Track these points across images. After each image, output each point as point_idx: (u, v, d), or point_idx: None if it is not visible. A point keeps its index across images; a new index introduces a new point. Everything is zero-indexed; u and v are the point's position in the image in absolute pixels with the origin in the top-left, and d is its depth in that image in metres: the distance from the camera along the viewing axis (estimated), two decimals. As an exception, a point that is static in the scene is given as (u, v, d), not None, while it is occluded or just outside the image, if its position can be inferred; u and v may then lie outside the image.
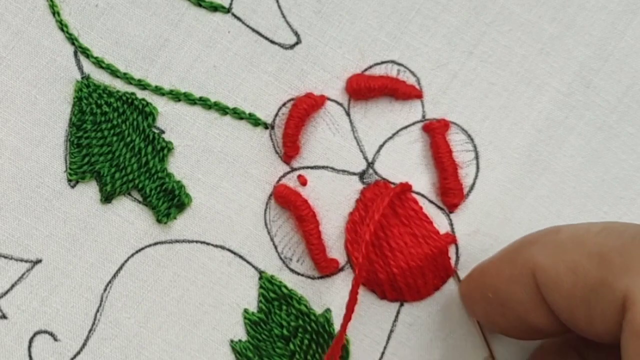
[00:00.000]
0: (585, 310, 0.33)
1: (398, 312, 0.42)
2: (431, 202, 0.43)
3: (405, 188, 0.42)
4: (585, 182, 0.43)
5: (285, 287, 0.42)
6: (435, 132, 0.42)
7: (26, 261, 0.42)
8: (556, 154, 0.43)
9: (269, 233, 0.42)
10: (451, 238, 0.42)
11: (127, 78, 0.42)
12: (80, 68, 0.42)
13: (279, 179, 0.42)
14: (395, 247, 0.41)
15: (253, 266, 0.42)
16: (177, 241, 0.42)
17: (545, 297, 0.35)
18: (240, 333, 0.42)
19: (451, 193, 0.42)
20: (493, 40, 0.42)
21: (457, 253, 0.42)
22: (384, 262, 0.41)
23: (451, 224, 0.43)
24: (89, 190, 0.42)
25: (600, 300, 0.32)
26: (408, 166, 0.42)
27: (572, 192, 0.43)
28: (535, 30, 0.42)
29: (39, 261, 0.42)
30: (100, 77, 0.42)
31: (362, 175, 0.43)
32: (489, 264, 0.38)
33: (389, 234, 0.42)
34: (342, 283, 0.42)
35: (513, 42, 0.42)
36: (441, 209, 0.43)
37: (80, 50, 0.42)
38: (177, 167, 0.42)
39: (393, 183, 0.42)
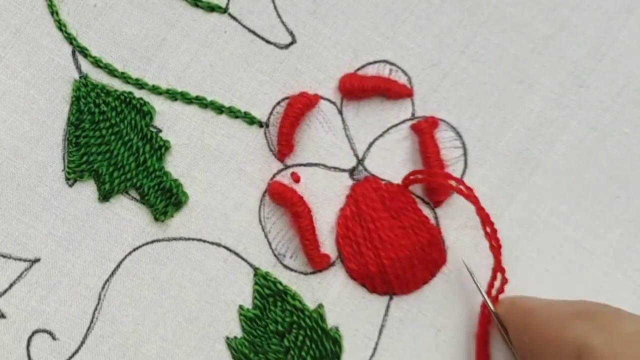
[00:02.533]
0: None
1: (388, 307, 0.42)
2: (417, 196, 0.43)
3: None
4: (580, 181, 0.43)
5: (280, 283, 0.42)
6: (424, 132, 0.42)
7: (25, 260, 0.42)
8: (548, 152, 0.43)
9: (263, 230, 0.42)
10: (436, 230, 0.42)
11: (124, 77, 0.43)
12: (78, 67, 0.43)
13: (273, 176, 0.43)
14: (385, 239, 0.42)
15: (248, 263, 0.42)
16: (174, 239, 0.43)
17: None
18: (235, 330, 0.42)
19: (437, 191, 0.42)
20: (485, 40, 0.43)
21: (443, 245, 0.43)
22: (375, 254, 0.42)
23: (436, 217, 0.43)
24: (87, 189, 0.43)
25: None
26: (397, 163, 0.43)
27: (566, 190, 0.43)
28: (528, 30, 0.43)
29: (37, 260, 0.42)
30: (98, 76, 0.43)
31: (352, 172, 0.43)
32: (538, 310, 0.37)
33: (380, 227, 0.42)
34: (333, 278, 0.42)
35: (505, 41, 0.43)
36: (427, 203, 0.43)
37: (79, 50, 0.43)
38: (174, 165, 0.43)
39: (382, 179, 0.43)
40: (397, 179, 0.43)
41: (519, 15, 0.43)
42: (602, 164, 0.43)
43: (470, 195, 0.40)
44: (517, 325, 0.38)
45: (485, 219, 0.40)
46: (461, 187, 0.41)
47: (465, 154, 0.43)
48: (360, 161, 0.43)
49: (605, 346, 0.33)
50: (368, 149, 0.43)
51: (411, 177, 0.42)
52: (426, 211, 0.43)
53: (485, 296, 0.41)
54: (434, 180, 0.41)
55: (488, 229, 0.40)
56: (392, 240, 0.42)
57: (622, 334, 0.33)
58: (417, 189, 0.43)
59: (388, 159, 0.43)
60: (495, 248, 0.40)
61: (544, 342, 0.36)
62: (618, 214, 0.43)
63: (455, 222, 0.43)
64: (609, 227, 0.43)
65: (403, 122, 0.43)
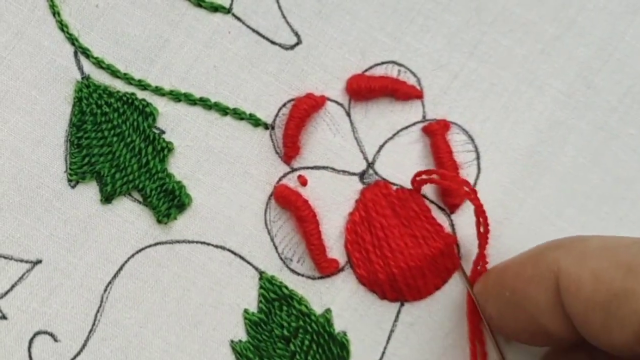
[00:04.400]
0: (603, 317, 0.33)
1: (399, 312, 0.42)
2: (432, 202, 0.43)
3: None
4: (586, 182, 0.43)
5: (286, 287, 0.42)
6: (435, 133, 0.42)
7: (26, 262, 0.42)
8: (557, 154, 0.43)
9: (269, 233, 0.42)
10: (452, 238, 0.42)
11: (127, 78, 0.42)
12: (80, 68, 0.42)
13: (279, 179, 0.42)
14: (395, 248, 0.41)
15: (253, 266, 0.42)
16: (177, 241, 0.42)
17: (563, 301, 0.35)
18: (240, 333, 0.42)
19: (452, 193, 0.42)
20: (494, 41, 0.42)
21: (458, 253, 0.42)
22: (384, 262, 0.42)
23: (452, 225, 0.43)
24: (89, 191, 0.42)
25: (622, 308, 0.32)
26: (408, 166, 0.42)
27: (573, 192, 0.43)
28: (536, 31, 0.42)
29: (39, 262, 0.42)
30: (101, 77, 0.42)
31: (362, 176, 0.43)
32: (511, 263, 0.39)
33: (389, 235, 0.42)
34: (342, 283, 0.42)
35: (514, 42, 0.42)
36: (442, 209, 0.43)
37: (81, 51, 0.42)
38: (178, 167, 0.42)
39: (393, 183, 0.43)
40: (409, 183, 0.42)
41: (526, 15, 0.42)
42: (608, 165, 0.43)
43: (474, 199, 0.40)
44: (496, 286, 0.39)
45: (484, 221, 0.40)
46: (466, 188, 0.41)
47: (478, 158, 0.43)
48: (370, 164, 0.43)
49: (575, 264, 0.35)
50: (378, 151, 0.43)
51: (417, 179, 0.42)
52: (441, 218, 0.42)
53: (466, 280, 0.42)
54: (440, 182, 0.41)
55: (482, 229, 0.41)
56: (402, 249, 0.41)
57: (588, 250, 0.35)
58: (431, 193, 0.43)
59: (399, 162, 0.43)
60: (483, 235, 0.41)
61: (523, 285, 0.37)
62: (623, 215, 0.43)
63: (472, 229, 0.42)
64: (614, 229, 0.43)
65: (414, 124, 0.43)
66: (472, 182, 0.43)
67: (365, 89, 0.42)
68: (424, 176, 0.41)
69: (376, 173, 0.43)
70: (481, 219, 0.40)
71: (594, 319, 0.33)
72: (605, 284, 0.33)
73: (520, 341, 0.39)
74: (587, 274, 0.34)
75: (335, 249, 0.42)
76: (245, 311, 0.42)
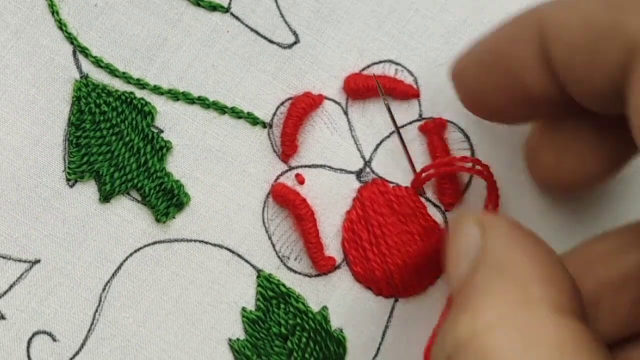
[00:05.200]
0: (589, 58, 0.32)
1: (392, 308, 0.42)
2: (427, 199, 0.43)
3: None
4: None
5: (283, 285, 0.42)
6: (432, 131, 0.42)
7: (25, 261, 0.42)
8: (554, 153, 0.43)
9: (266, 232, 0.42)
10: (446, 235, 0.42)
11: (125, 77, 0.42)
12: (79, 67, 0.42)
13: (277, 178, 0.42)
14: (392, 245, 0.41)
15: (251, 265, 0.42)
16: (175, 240, 0.42)
17: (548, 50, 0.33)
18: (238, 332, 0.42)
19: (448, 192, 0.42)
20: (491, 40, 0.42)
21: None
22: (382, 260, 0.41)
23: (447, 222, 0.42)
24: (88, 190, 0.42)
25: (608, 43, 0.31)
26: (405, 165, 0.42)
27: (571, 192, 0.43)
28: (534, 30, 0.42)
29: (37, 261, 0.42)
30: (99, 76, 0.42)
31: (359, 174, 0.43)
32: (491, 30, 0.37)
33: (387, 233, 0.42)
34: (339, 281, 0.42)
35: (511, 41, 0.42)
36: (437, 206, 0.43)
37: (79, 50, 0.42)
38: (176, 166, 0.42)
39: (390, 182, 0.42)
40: (406, 181, 0.42)
41: (524, 15, 0.42)
42: (606, 164, 0.43)
43: (488, 175, 0.40)
44: (477, 54, 0.37)
45: (495, 200, 0.41)
46: (477, 166, 0.40)
47: (473, 156, 0.42)
48: (367, 163, 0.43)
49: (562, 9, 0.32)
50: (375, 150, 0.43)
51: (423, 175, 0.41)
52: (437, 215, 0.42)
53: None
54: (448, 170, 0.41)
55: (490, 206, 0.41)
56: (399, 247, 0.41)
57: None
58: (430, 191, 0.43)
59: (396, 161, 0.42)
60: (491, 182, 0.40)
61: (506, 44, 0.34)
62: (622, 215, 0.43)
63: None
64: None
65: (410, 123, 0.43)
66: (466, 180, 0.42)
67: (363, 88, 0.42)
68: (431, 170, 0.41)
69: (373, 171, 0.43)
70: (492, 196, 0.40)
71: (579, 62, 0.32)
72: (590, 22, 0.31)
73: (498, 118, 0.38)
74: (572, 17, 0.32)
75: (332, 247, 0.42)
76: (243, 309, 0.42)
